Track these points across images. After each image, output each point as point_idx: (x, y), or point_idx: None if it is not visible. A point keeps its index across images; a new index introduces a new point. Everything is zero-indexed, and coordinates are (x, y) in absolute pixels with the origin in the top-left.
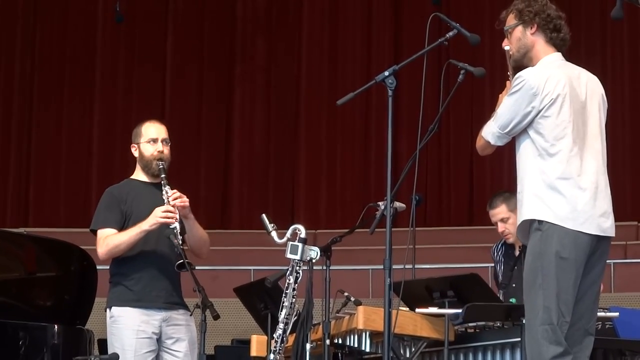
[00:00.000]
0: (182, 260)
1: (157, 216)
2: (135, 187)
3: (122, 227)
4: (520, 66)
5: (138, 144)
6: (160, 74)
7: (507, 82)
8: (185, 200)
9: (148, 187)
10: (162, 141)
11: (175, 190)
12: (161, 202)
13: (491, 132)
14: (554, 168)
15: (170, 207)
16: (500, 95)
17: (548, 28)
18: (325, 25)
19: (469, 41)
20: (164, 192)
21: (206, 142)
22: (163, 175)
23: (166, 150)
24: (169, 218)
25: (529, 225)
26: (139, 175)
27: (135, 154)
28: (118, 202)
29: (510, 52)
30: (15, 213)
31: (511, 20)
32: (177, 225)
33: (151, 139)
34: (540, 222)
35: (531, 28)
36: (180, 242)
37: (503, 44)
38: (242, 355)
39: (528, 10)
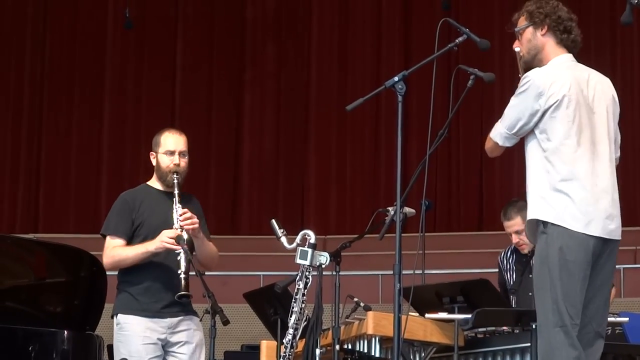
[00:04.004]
0: (182, 293)
1: (163, 241)
2: (149, 194)
3: (131, 237)
4: (530, 67)
5: (156, 152)
6: (170, 79)
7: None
8: (195, 222)
9: (162, 196)
10: (179, 153)
11: (185, 210)
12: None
13: (499, 133)
14: (559, 169)
15: (178, 232)
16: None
17: (558, 29)
18: (334, 31)
19: (479, 46)
20: (174, 210)
21: (216, 147)
22: (176, 192)
23: (183, 163)
24: (174, 245)
25: (535, 226)
26: (155, 182)
27: (153, 162)
28: (130, 210)
29: (521, 54)
30: (25, 219)
31: (522, 21)
32: (182, 253)
33: (168, 150)
34: (544, 224)
35: (542, 29)
36: (185, 268)
37: (514, 46)
38: None
39: (539, 11)
